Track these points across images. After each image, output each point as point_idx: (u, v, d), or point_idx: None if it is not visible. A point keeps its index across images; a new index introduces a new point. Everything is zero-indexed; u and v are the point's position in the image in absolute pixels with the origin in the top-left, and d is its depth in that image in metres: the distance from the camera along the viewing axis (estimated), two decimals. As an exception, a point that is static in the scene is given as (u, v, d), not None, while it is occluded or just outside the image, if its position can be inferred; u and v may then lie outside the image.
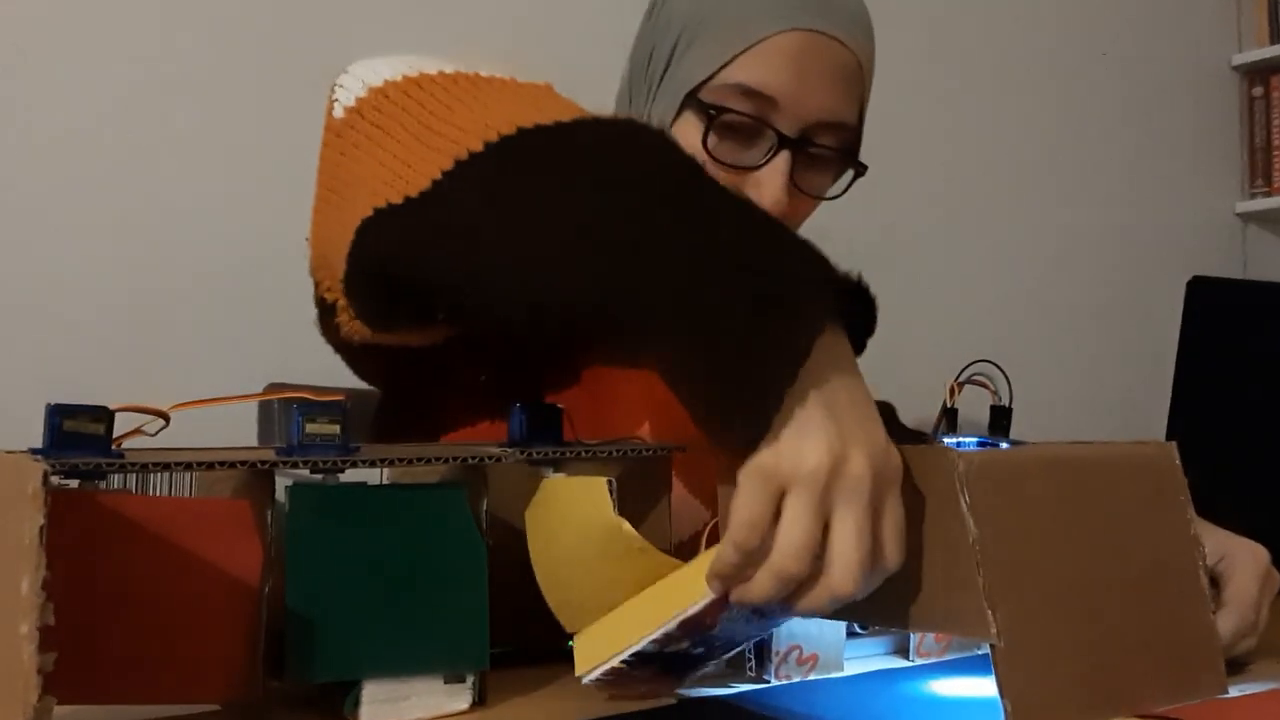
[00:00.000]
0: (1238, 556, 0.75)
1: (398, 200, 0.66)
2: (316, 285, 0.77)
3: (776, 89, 0.86)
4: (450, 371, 0.86)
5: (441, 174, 0.64)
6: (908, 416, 1.16)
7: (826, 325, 0.56)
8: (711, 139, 0.87)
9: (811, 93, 0.86)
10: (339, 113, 0.74)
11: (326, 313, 0.77)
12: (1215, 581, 0.74)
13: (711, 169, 0.85)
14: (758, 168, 0.87)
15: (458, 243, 0.64)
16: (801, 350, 0.54)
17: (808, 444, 0.53)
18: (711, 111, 0.86)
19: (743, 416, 0.54)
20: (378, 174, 0.68)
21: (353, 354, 0.82)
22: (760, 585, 0.55)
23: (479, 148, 0.64)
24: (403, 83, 0.71)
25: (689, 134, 0.87)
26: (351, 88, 0.74)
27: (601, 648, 0.61)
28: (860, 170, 0.93)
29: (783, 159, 0.87)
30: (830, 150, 0.89)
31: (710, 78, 0.87)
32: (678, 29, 0.90)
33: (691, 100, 0.88)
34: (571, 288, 0.59)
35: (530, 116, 0.65)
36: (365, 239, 0.68)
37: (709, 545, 0.60)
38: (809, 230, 1.02)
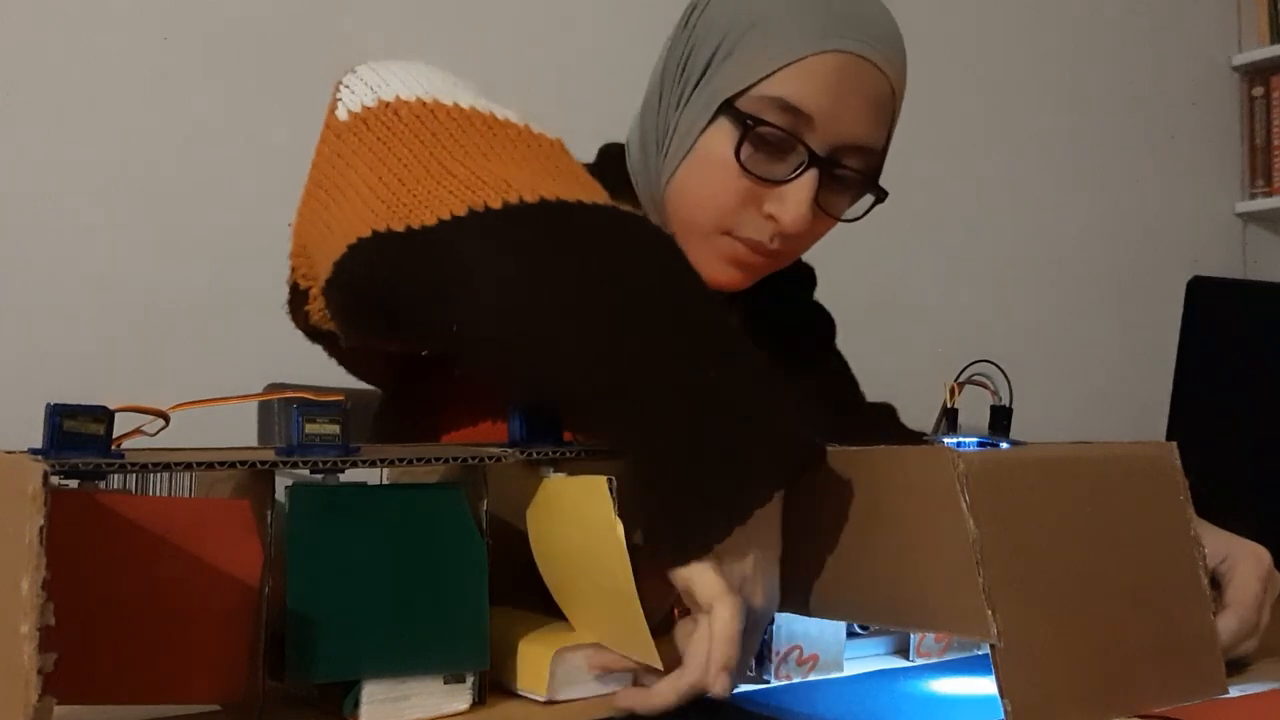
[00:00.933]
0: (1240, 558, 0.75)
1: (399, 228, 0.66)
2: (292, 270, 0.77)
3: (814, 107, 0.86)
4: (449, 369, 0.86)
5: (452, 217, 0.65)
6: (908, 416, 1.16)
7: (772, 495, 0.61)
8: (745, 149, 0.87)
9: (847, 115, 0.87)
10: (343, 114, 0.73)
11: (298, 298, 0.77)
12: (1217, 583, 0.74)
13: (740, 178, 0.87)
14: (785, 182, 0.88)
15: (459, 289, 0.65)
16: (746, 515, 0.60)
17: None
18: (748, 121, 0.87)
19: (681, 540, 0.61)
20: (376, 190, 0.69)
21: (330, 344, 0.83)
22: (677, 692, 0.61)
23: (497, 204, 0.65)
24: (416, 105, 0.71)
25: (721, 142, 0.88)
26: (359, 93, 0.74)
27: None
28: (881, 196, 0.93)
29: (811, 176, 0.87)
30: (856, 173, 0.90)
31: (748, 88, 0.87)
32: (718, 37, 0.90)
33: (727, 108, 0.88)
34: (565, 374, 0.63)
35: (550, 186, 0.67)
36: (359, 255, 0.68)
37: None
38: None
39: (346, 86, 0.74)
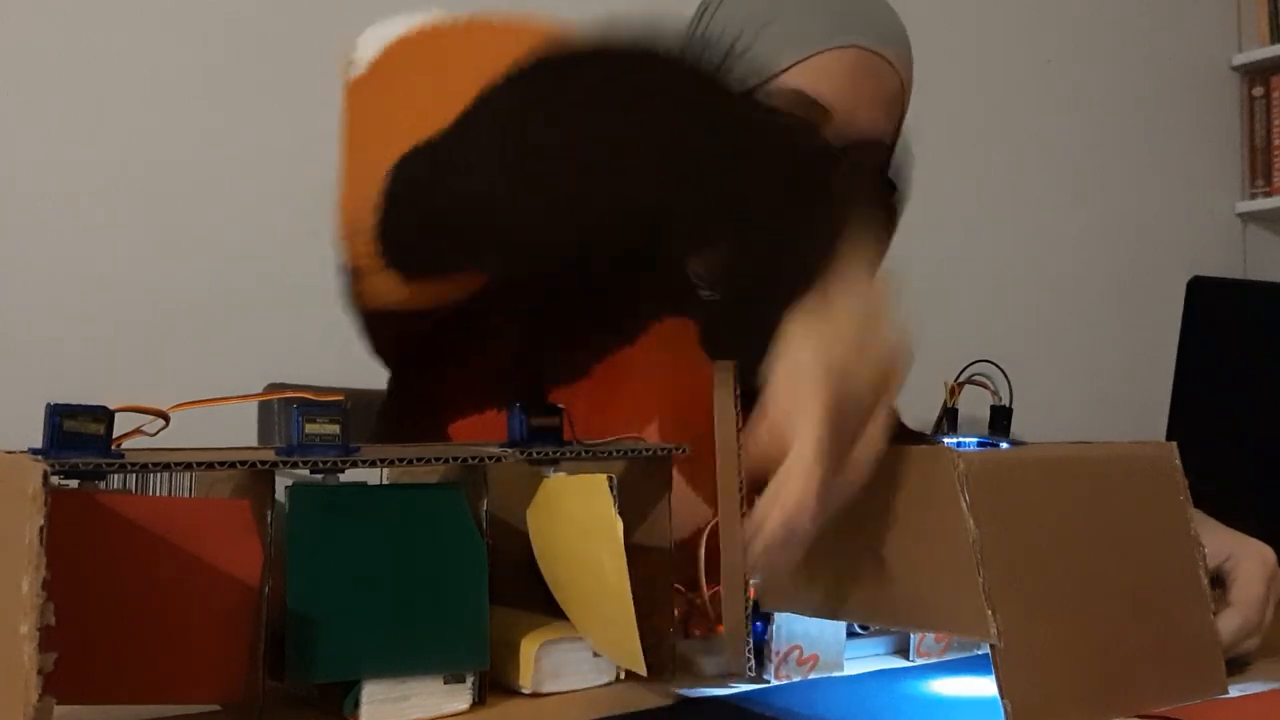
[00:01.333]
0: (1244, 556, 0.75)
1: (424, 139, 0.67)
2: (345, 252, 0.77)
3: (832, 100, 0.87)
4: (462, 353, 0.86)
5: (467, 107, 0.66)
6: (908, 416, 1.16)
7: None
8: None
9: (861, 108, 0.89)
10: (359, 70, 0.75)
11: (354, 279, 0.77)
12: (1221, 581, 0.74)
13: None
14: None
15: (492, 165, 0.66)
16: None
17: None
18: None
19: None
20: (404, 119, 0.70)
21: (373, 324, 0.83)
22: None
23: (501, 80, 0.65)
24: (419, 33, 0.73)
25: None
26: (367, 48, 0.75)
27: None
28: (890, 189, 0.95)
29: None
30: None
31: (766, 81, 0.89)
32: (736, 30, 0.91)
33: None
34: (621, 193, 0.62)
35: (547, 50, 0.67)
36: (400, 176, 0.69)
37: (707, 546, 0.60)
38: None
39: (355, 51, 0.76)
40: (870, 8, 0.91)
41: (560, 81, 0.65)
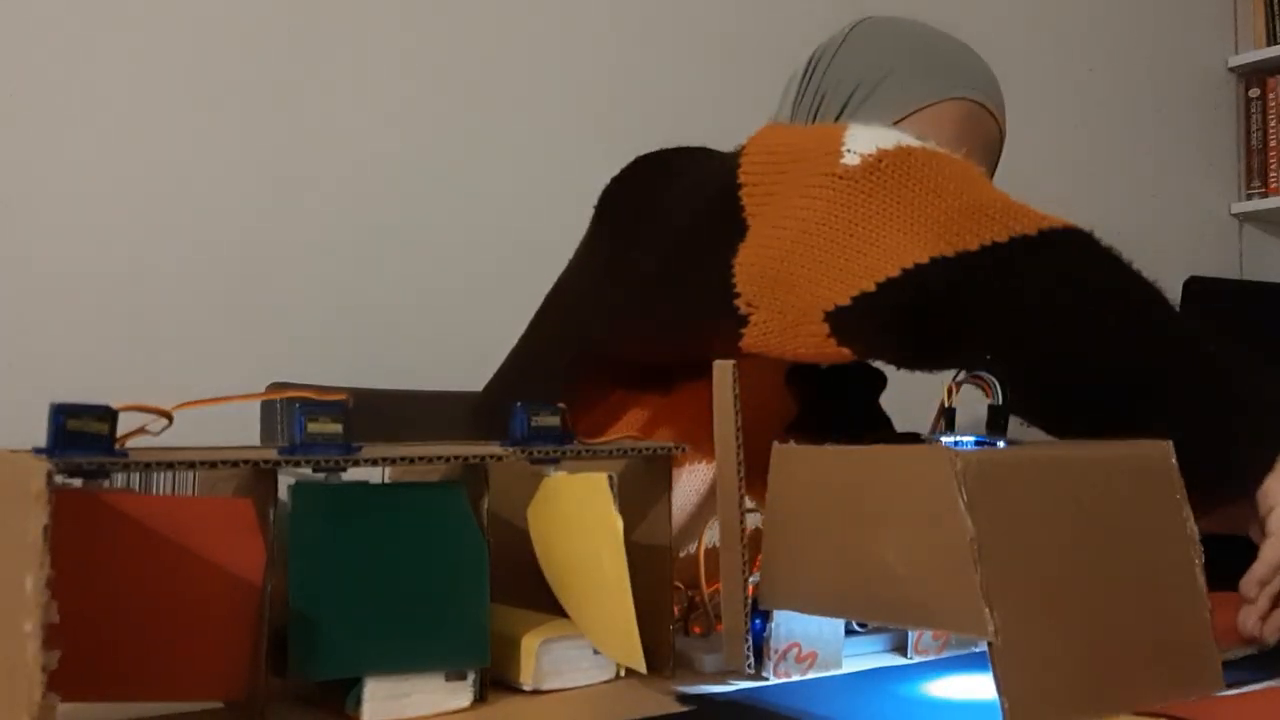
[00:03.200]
0: None
1: (950, 254, 0.74)
2: (737, 296, 0.81)
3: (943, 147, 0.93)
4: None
5: (994, 243, 0.74)
6: (906, 416, 1.17)
7: None
8: None
9: (970, 157, 0.93)
10: (852, 160, 0.78)
11: (738, 323, 0.82)
12: (1264, 530, 0.74)
13: None
14: None
15: (1034, 304, 0.75)
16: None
17: None
18: None
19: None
20: (918, 221, 0.75)
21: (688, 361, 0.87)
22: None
23: (1034, 232, 0.75)
24: (919, 150, 0.78)
25: None
26: (862, 141, 0.79)
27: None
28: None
29: None
30: None
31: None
32: (852, 84, 0.99)
33: None
34: (1142, 367, 0.74)
35: (1055, 220, 0.78)
36: (917, 279, 0.74)
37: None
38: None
39: (846, 142, 0.80)
40: (973, 63, 0.99)
41: (1100, 262, 0.78)
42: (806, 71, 1.04)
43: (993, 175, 1.02)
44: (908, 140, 0.80)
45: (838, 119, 0.99)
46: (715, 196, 0.86)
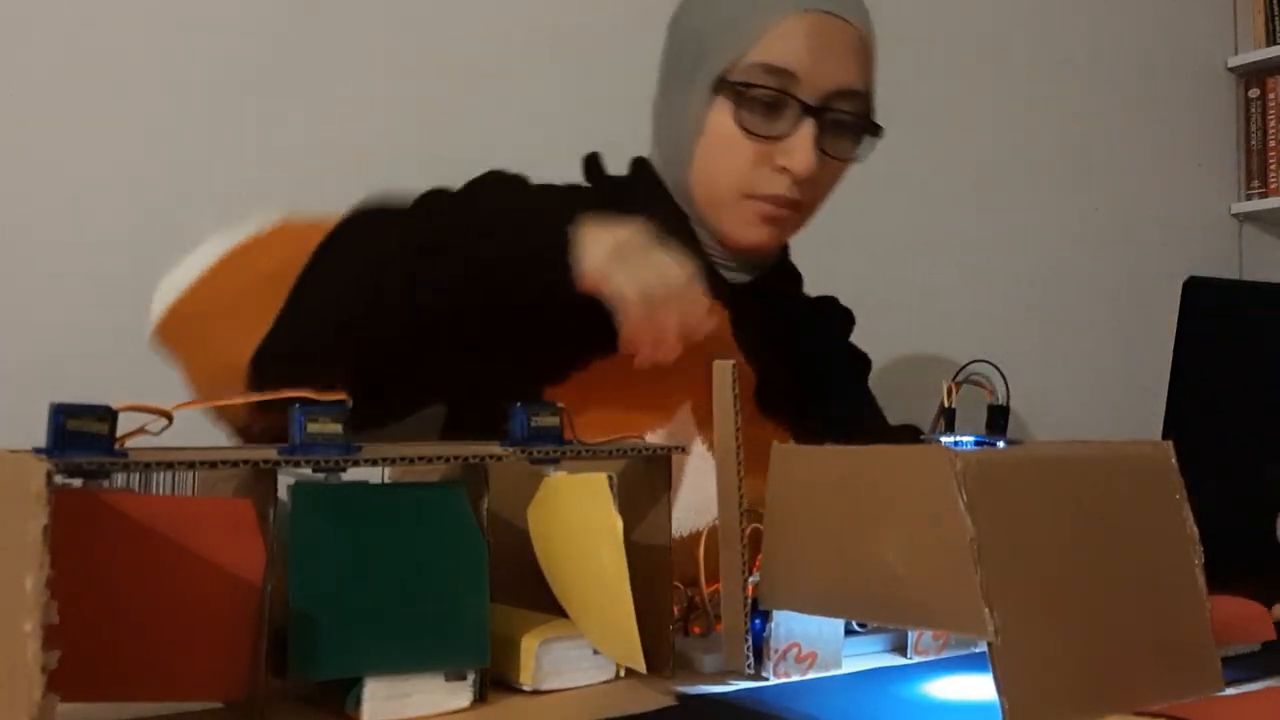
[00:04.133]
0: None
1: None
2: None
3: (794, 63, 0.98)
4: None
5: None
6: (906, 415, 1.17)
7: None
8: (743, 114, 0.98)
9: (826, 64, 0.98)
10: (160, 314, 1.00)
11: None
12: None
13: (747, 142, 0.98)
14: (787, 136, 0.99)
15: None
16: None
17: None
18: (739, 88, 0.98)
19: None
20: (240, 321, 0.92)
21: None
22: None
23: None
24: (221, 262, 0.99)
25: (723, 116, 0.99)
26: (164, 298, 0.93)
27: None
28: (876, 132, 1.03)
29: (808, 125, 0.98)
30: (849, 115, 1.01)
31: (735, 63, 0.99)
32: (703, 30, 1.01)
33: (722, 85, 0.99)
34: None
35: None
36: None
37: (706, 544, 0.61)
38: (823, 224, 1.08)
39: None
40: None
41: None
42: (668, 32, 1.07)
43: (872, 73, 1.03)
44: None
45: (694, 66, 1.01)
46: None
